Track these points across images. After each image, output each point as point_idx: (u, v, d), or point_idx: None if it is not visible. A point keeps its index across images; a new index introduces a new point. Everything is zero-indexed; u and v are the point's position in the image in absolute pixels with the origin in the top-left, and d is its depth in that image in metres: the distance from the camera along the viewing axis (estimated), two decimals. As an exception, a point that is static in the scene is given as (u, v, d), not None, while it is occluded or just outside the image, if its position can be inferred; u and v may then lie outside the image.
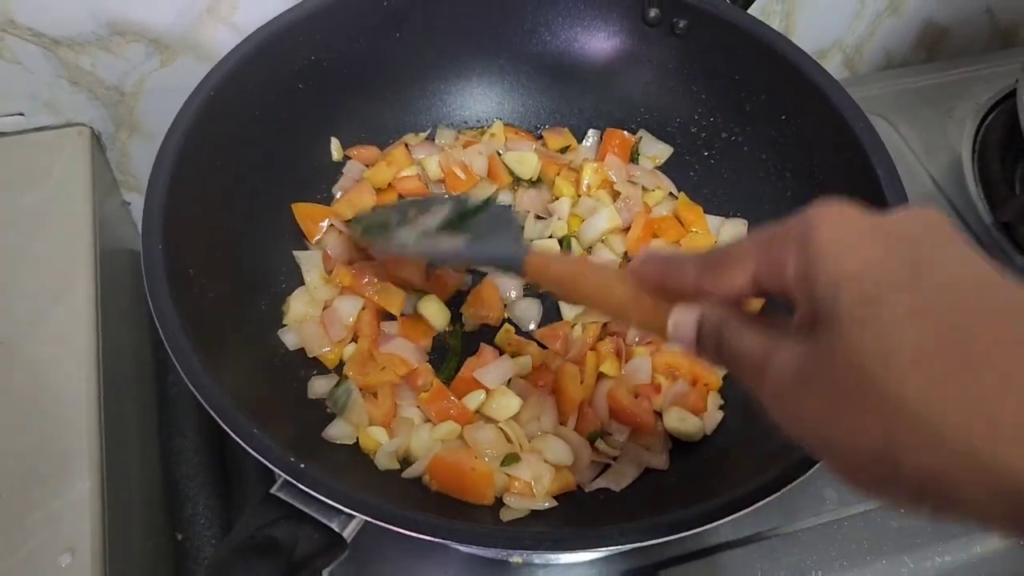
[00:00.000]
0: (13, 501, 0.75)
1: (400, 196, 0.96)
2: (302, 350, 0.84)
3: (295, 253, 0.89)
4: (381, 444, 0.79)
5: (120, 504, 0.81)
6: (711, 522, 0.61)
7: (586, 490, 0.79)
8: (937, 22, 1.32)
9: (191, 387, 0.64)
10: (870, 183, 0.80)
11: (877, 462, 0.36)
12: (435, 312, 0.88)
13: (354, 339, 0.86)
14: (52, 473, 0.77)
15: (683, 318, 0.47)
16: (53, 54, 0.92)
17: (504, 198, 0.99)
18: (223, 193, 0.83)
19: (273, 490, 0.62)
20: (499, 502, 0.76)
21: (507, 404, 0.82)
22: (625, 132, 1.02)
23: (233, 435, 0.62)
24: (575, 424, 0.81)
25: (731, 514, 0.61)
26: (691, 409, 0.82)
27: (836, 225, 0.39)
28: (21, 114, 0.97)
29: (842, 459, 0.39)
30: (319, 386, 0.82)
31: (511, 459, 0.77)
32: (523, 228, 0.81)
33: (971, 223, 1.10)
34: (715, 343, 0.45)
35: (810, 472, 0.63)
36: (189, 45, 0.96)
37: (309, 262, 0.89)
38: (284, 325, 0.86)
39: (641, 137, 1.02)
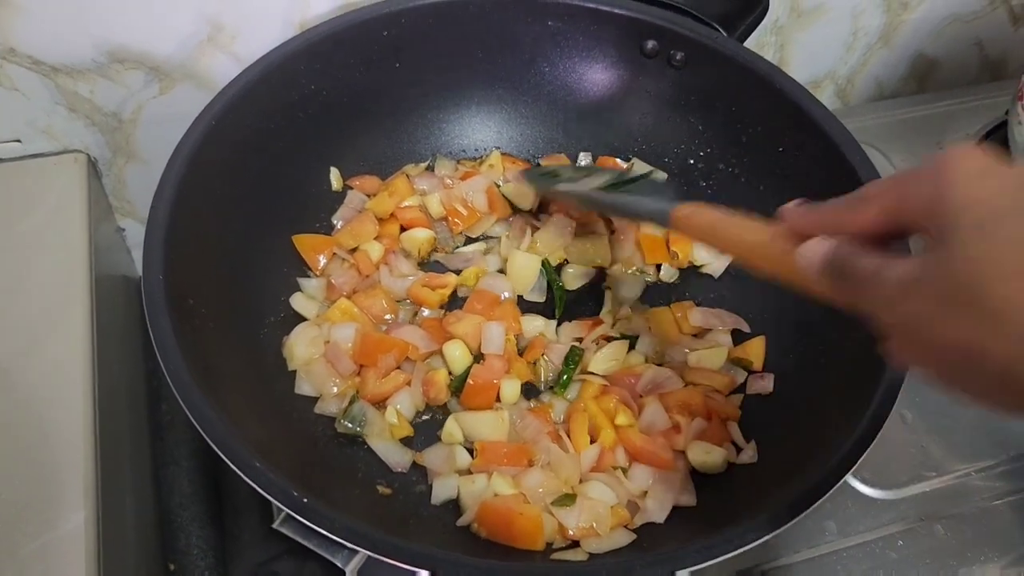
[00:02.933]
0: (6, 532, 0.73)
1: (402, 227, 0.96)
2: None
3: (293, 297, 0.89)
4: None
5: (114, 535, 0.80)
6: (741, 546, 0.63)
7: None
8: (927, 54, 1.34)
9: (192, 419, 0.64)
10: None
11: (968, 356, 0.42)
12: (457, 358, 0.87)
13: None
14: (46, 504, 0.76)
15: (813, 250, 0.52)
16: (52, 81, 0.92)
17: (499, 229, 0.99)
18: (223, 222, 0.82)
19: (275, 525, 0.62)
20: (549, 548, 0.76)
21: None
22: (618, 159, 1.02)
23: (236, 469, 0.61)
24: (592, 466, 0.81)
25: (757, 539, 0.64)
26: (713, 441, 0.82)
27: (967, 161, 0.44)
28: (18, 140, 0.97)
29: (934, 353, 0.45)
30: (328, 405, 0.83)
31: (566, 500, 0.77)
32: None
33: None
34: (839, 268, 0.50)
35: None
36: (188, 73, 0.96)
37: (308, 295, 0.89)
38: (286, 364, 0.85)
39: (634, 163, 1.02)
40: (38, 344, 0.85)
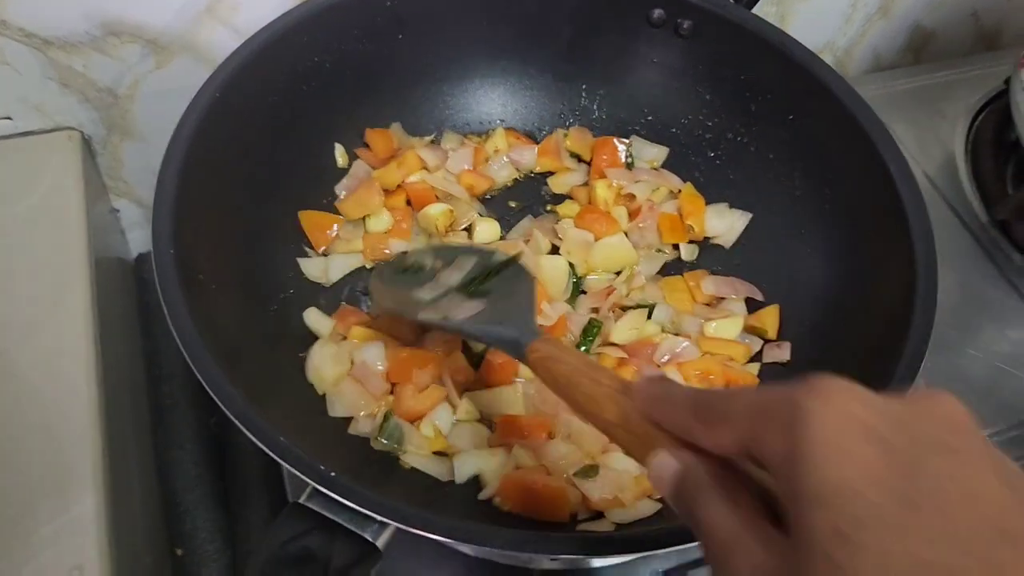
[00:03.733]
0: (18, 517, 0.71)
1: (408, 200, 0.94)
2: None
3: (306, 313, 0.85)
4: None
5: (123, 520, 0.78)
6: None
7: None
8: (925, 25, 1.34)
9: (214, 396, 0.62)
10: (882, 177, 0.80)
11: None
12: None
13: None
14: (57, 488, 0.74)
15: (663, 467, 0.44)
16: (43, 55, 0.89)
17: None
18: (229, 197, 0.80)
19: (301, 500, 0.60)
20: (574, 519, 0.74)
21: None
22: (615, 140, 1.01)
23: (262, 446, 0.60)
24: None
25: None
26: None
27: (830, 418, 0.34)
28: (8, 118, 0.94)
29: None
30: (362, 425, 0.79)
31: (589, 471, 0.76)
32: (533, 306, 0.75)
33: (967, 220, 1.11)
34: (688, 506, 0.42)
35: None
36: (187, 46, 0.93)
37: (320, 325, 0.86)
38: (298, 343, 0.83)
39: (632, 142, 1.01)
40: (40, 328, 0.82)
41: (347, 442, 0.77)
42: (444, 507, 0.74)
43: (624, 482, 0.76)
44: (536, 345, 0.62)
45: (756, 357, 0.88)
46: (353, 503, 0.58)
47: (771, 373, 0.86)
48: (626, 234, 0.95)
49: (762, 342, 0.88)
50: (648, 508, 0.75)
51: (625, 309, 0.90)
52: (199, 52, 0.94)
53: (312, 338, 0.84)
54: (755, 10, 0.97)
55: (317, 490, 0.59)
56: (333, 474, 0.59)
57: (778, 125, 0.92)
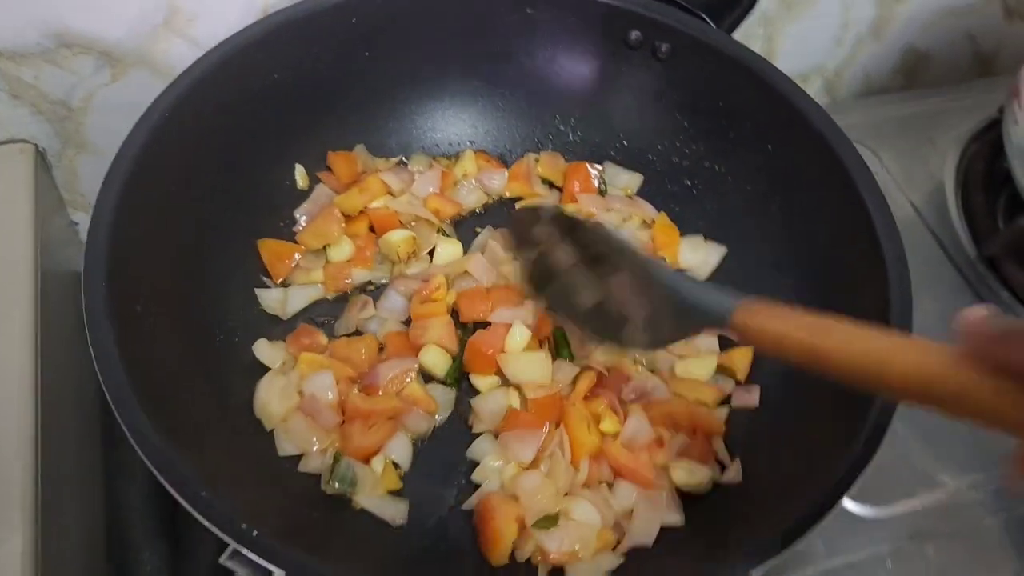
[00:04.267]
0: (-64, 559, 0.68)
1: (371, 227, 0.90)
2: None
3: (256, 345, 0.82)
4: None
5: (56, 558, 0.74)
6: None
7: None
8: (918, 47, 1.30)
9: (132, 441, 0.58)
10: (858, 213, 0.77)
11: None
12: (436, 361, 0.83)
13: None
14: (-21, 527, 0.70)
15: None
16: (-9, 66, 0.85)
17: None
18: (177, 222, 0.77)
19: (222, 559, 0.56)
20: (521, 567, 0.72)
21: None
22: (588, 165, 0.97)
23: (178, 497, 0.56)
24: (585, 479, 0.77)
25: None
26: (698, 459, 0.78)
27: None
28: (-43, 129, 0.90)
29: None
30: (312, 462, 0.76)
31: (548, 522, 0.73)
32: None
33: (954, 255, 1.07)
34: None
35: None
36: (143, 59, 0.90)
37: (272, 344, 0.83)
38: (243, 379, 0.79)
39: (605, 168, 0.98)
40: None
41: (297, 483, 0.74)
42: (395, 557, 0.70)
43: (585, 535, 0.72)
44: (747, 306, 0.56)
45: (725, 400, 0.84)
46: (269, 562, 0.54)
47: (739, 420, 0.82)
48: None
49: (732, 383, 0.84)
50: (609, 563, 0.72)
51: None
52: (156, 65, 0.91)
53: (262, 371, 0.80)
54: (742, 30, 0.94)
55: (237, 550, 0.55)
56: (255, 533, 0.55)
57: (756, 155, 0.89)
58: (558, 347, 0.83)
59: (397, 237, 0.88)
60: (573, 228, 0.70)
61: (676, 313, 0.63)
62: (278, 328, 0.84)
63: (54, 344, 0.84)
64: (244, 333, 0.81)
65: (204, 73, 0.79)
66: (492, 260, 0.88)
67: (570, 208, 0.93)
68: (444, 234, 0.92)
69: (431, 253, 0.91)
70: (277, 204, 0.89)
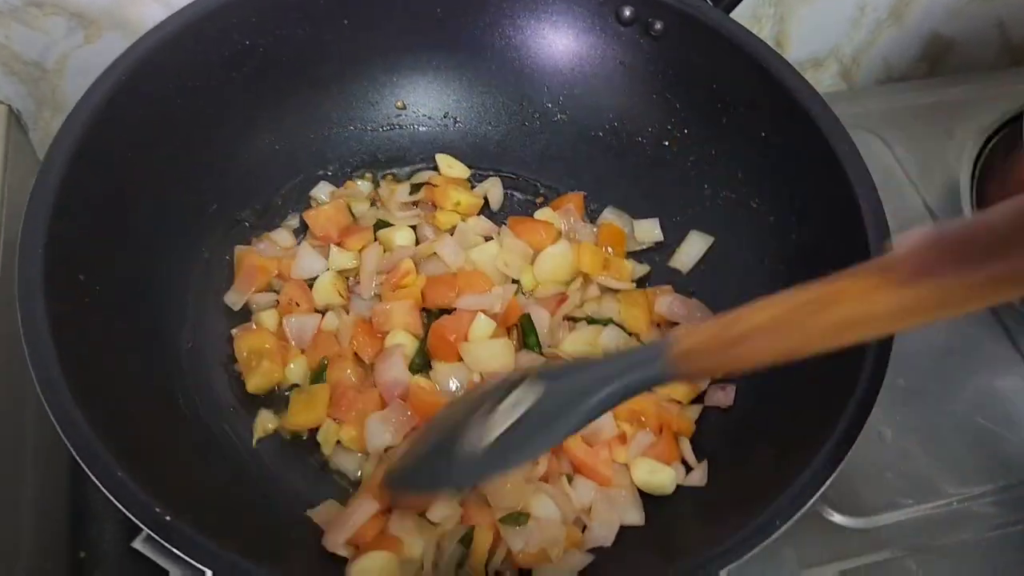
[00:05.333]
0: None
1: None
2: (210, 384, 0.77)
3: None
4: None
5: (4, 529, 0.73)
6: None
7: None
8: (943, 34, 1.23)
9: (52, 417, 0.56)
10: (851, 216, 0.72)
11: None
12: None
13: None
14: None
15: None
16: (-40, 24, 0.83)
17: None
18: (131, 188, 0.74)
19: (135, 543, 0.54)
20: None
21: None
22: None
23: (93, 478, 0.54)
24: (543, 472, 0.74)
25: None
26: (661, 459, 0.74)
27: None
28: (-71, 88, 0.89)
29: None
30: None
31: (518, 518, 0.70)
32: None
33: (965, 256, 1.01)
34: None
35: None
36: (116, 21, 0.88)
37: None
38: (184, 354, 0.77)
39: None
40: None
41: (223, 471, 0.71)
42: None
43: (553, 534, 0.69)
44: (678, 345, 0.54)
45: (698, 399, 0.80)
46: (181, 551, 0.52)
47: (710, 420, 0.78)
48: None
49: (708, 381, 0.80)
50: (578, 562, 0.69)
51: (576, 321, 0.84)
52: (130, 28, 0.88)
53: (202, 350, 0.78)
54: (751, 10, 0.90)
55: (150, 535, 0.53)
56: (168, 518, 0.53)
57: (749, 142, 0.84)
58: (525, 336, 0.80)
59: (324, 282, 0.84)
60: None
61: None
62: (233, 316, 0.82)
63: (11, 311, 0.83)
64: (197, 313, 0.79)
65: (170, 34, 0.76)
66: (461, 242, 0.85)
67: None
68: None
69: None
70: (243, 179, 0.85)
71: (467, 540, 0.70)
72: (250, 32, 0.82)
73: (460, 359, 0.79)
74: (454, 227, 0.89)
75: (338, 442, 0.76)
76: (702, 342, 0.54)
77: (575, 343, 0.82)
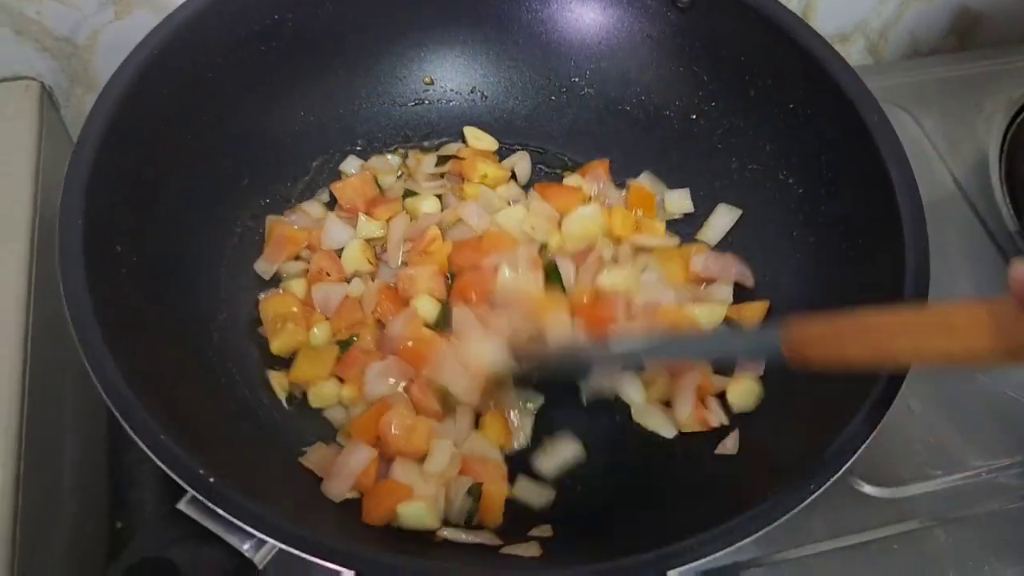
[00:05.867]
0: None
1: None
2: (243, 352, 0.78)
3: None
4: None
5: (42, 494, 0.74)
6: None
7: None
8: (971, 7, 1.22)
9: (95, 380, 0.57)
10: (882, 187, 0.72)
11: None
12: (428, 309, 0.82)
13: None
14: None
15: None
16: (-7, -1, 0.84)
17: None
18: (164, 162, 0.75)
19: (180, 504, 0.55)
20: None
21: None
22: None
23: (139, 442, 0.55)
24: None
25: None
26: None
27: None
28: (-37, 65, 0.90)
29: None
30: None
31: None
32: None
33: (994, 230, 1.01)
34: None
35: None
36: (147, -3, 0.88)
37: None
38: (217, 321, 0.78)
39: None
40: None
41: (262, 436, 0.73)
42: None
43: None
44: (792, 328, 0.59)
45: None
46: (226, 512, 0.53)
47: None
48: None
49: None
50: None
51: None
52: (160, 3, 0.89)
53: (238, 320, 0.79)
54: None
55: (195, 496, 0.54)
56: (211, 480, 0.54)
57: (778, 114, 0.84)
58: (548, 276, 0.81)
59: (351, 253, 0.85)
60: None
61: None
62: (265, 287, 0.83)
63: (49, 282, 0.84)
64: (229, 280, 0.79)
65: (200, 9, 0.77)
66: (487, 206, 0.86)
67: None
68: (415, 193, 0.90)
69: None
70: (273, 152, 0.86)
71: (475, 493, 0.72)
72: (279, 6, 0.82)
73: (483, 303, 0.80)
74: (481, 198, 0.89)
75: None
76: (815, 335, 0.58)
77: (614, 277, 0.83)
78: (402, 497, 0.69)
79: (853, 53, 1.24)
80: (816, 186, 0.81)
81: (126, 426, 0.55)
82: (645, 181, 0.92)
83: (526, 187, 0.93)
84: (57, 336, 0.86)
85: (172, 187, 0.75)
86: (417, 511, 0.68)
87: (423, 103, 0.94)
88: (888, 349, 0.55)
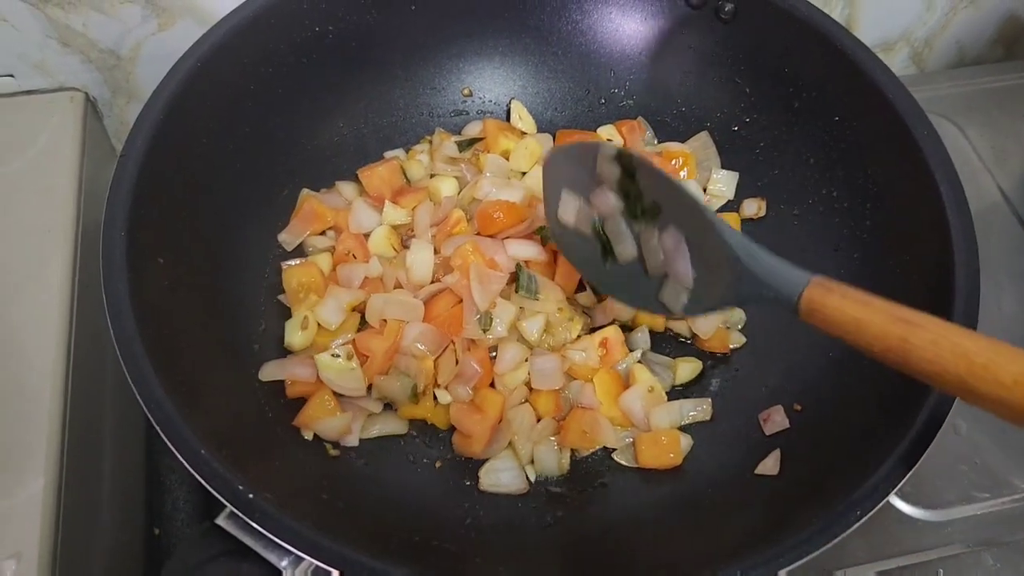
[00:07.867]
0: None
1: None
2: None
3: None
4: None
5: (83, 501, 0.75)
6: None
7: None
8: (1021, 15, 1.19)
9: (137, 395, 0.57)
10: (931, 203, 0.71)
11: None
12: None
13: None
14: (6, 468, 0.71)
15: None
16: (41, 12, 0.85)
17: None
18: (208, 176, 0.76)
19: (218, 520, 0.55)
20: None
21: None
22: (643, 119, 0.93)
23: (180, 457, 0.55)
24: None
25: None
26: None
27: None
28: (11, 75, 0.91)
29: None
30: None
31: None
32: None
33: (1042, 245, 0.98)
34: None
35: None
36: (189, 8, 0.89)
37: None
38: (258, 339, 0.78)
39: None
40: (14, 295, 0.79)
41: (303, 451, 0.72)
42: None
43: None
44: (816, 286, 0.54)
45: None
46: (263, 528, 0.53)
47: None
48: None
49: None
50: None
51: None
52: (202, 15, 0.89)
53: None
54: None
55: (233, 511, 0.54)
56: (251, 496, 0.54)
57: (822, 126, 0.83)
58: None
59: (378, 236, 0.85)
60: (633, 171, 0.66)
61: (734, 278, 0.59)
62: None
63: (93, 295, 0.85)
64: (270, 294, 0.80)
65: (243, 22, 0.77)
66: (498, 173, 0.88)
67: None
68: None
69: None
70: (310, 159, 0.86)
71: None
72: (320, 18, 0.83)
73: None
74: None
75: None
76: (852, 312, 0.53)
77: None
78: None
79: (897, 62, 1.21)
80: (862, 200, 0.79)
81: (167, 440, 0.55)
82: (701, 143, 0.91)
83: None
84: (98, 345, 0.88)
85: (213, 199, 0.76)
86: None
87: (461, 114, 0.94)
88: (909, 348, 0.50)
